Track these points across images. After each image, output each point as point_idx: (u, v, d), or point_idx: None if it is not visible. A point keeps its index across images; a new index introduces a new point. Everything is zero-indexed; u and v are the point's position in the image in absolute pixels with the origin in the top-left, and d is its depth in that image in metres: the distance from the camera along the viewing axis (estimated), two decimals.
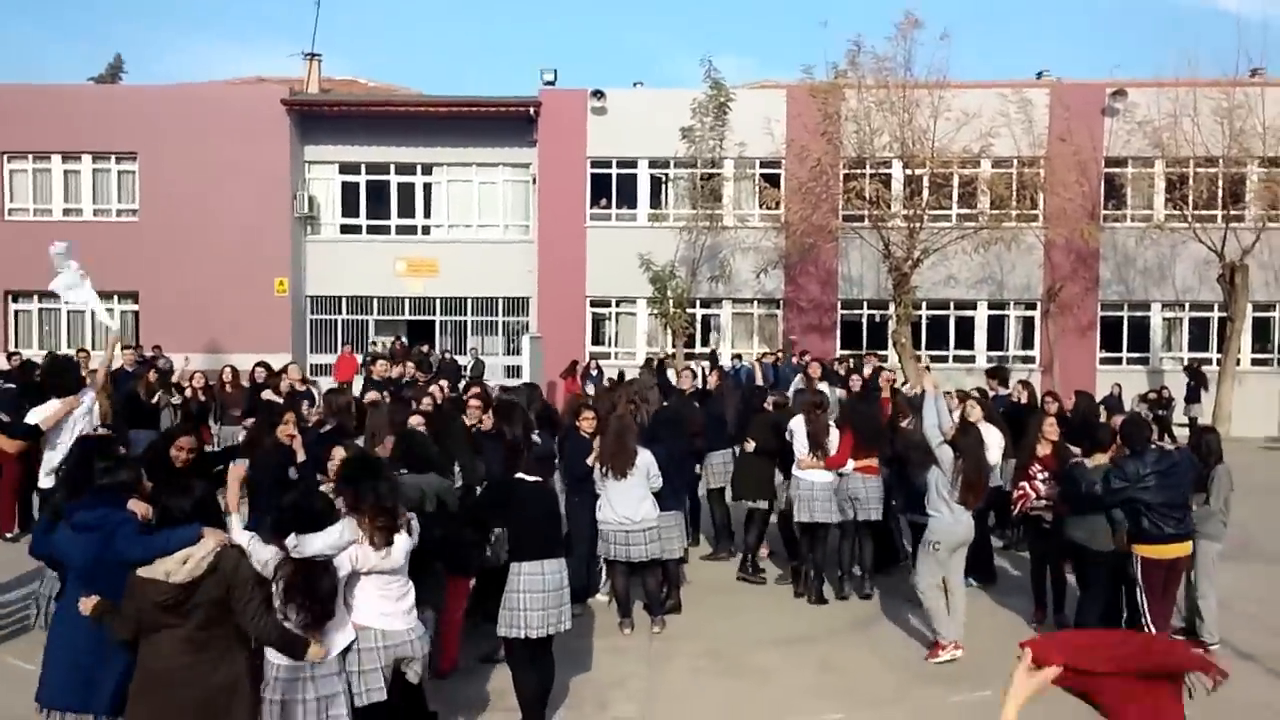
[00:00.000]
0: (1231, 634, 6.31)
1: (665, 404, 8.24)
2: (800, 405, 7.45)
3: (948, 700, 5.39)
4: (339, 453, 4.56)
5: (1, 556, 7.70)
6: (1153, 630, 5.53)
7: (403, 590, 4.00)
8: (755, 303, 20.36)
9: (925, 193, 17.84)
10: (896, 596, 7.22)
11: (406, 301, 21.05)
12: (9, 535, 8.52)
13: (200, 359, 15.60)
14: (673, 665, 5.93)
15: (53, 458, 6.24)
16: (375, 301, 21.04)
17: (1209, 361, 19.17)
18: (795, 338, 18.93)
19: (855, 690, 5.57)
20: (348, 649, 3.80)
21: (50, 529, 3.98)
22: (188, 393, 10.49)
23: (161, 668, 3.38)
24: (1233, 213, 18.13)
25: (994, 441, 6.94)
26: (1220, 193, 18.42)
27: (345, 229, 21.15)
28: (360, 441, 5.57)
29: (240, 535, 3.70)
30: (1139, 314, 20.03)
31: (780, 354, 16.84)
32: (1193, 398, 17.62)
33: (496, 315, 21.18)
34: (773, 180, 19.68)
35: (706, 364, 14.37)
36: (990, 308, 20.12)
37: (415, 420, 5.91)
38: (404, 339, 19.79)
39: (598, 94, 19.82)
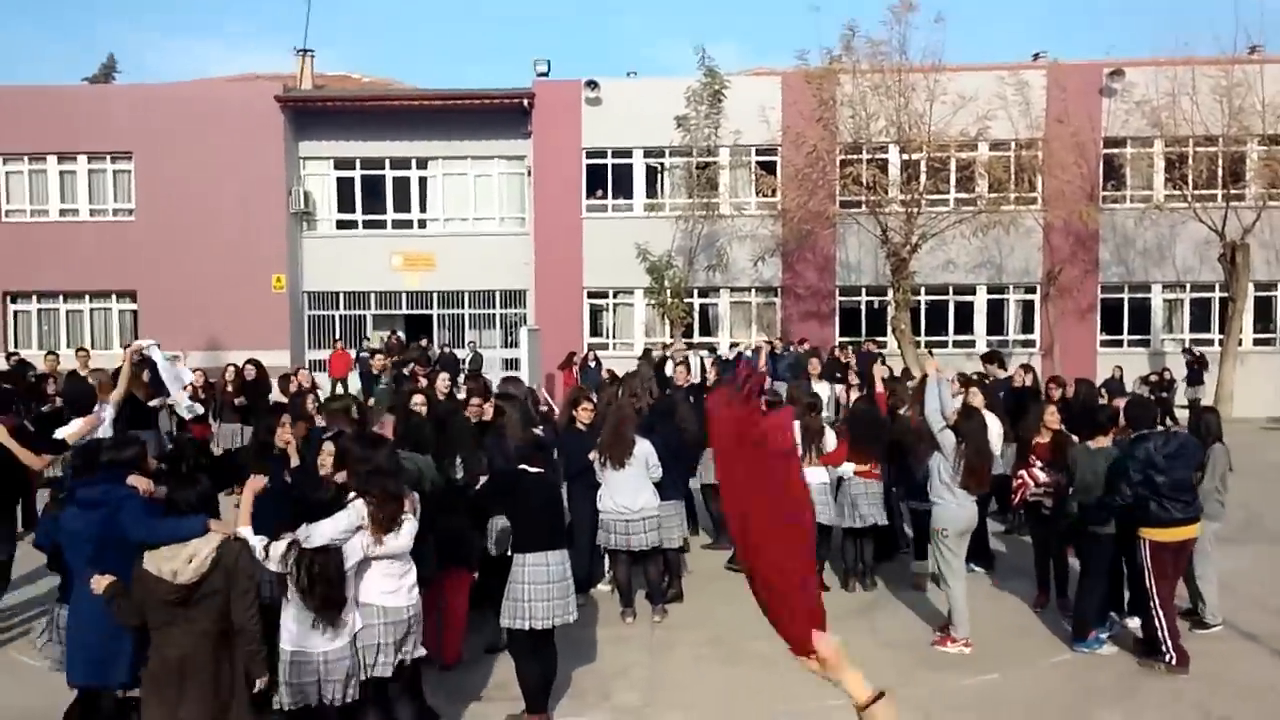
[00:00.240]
0: (1235, 615, 6.30)
1: (664, 394, 8.21)
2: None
3: (955, 684, 5.38)
4: (329, 448, 4.55)
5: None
6: (1161, 615, 5.51)
7: (404, 569, 4.13)
8: (753, 291, 20.30)
9: (922, 177, 17.75)
10: (897, 583, 7.21)
11: (404, 296, 21.00)
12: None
13: (199, 356, 15.58)
14: (675, 654, 5.92)
15: None
16: (372, 296, 21.00)
17: (1210, 342, 19.13)
18: (798, 338, 18.81)
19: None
20: (359, 629, 3.93)
21: (56, 517, 4.01)
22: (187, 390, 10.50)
23: (175, 656, 3.51)
24: (1233, 192, 18.04)
25: (994, 431, 6.90)
26: (1220, 172, 18.32)
27: (341, 224, 21.10)
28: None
29: (251, 539, 3.78)
30: (1139, 296, 19.97)
31: (776, 341, 16.78)
32: (1194, 380, 17.57)
33: (494, 308, 21.14)
34: (769, 167, 19.59)
35: (704, 355, 14.33)
36: (989, 292, 20.06)
37: (416, 400, 5.93)
38: (401, 333, 19.77)
39: (592, 84, 19.71)
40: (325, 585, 3.72)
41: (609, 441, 6.30)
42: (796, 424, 7.11)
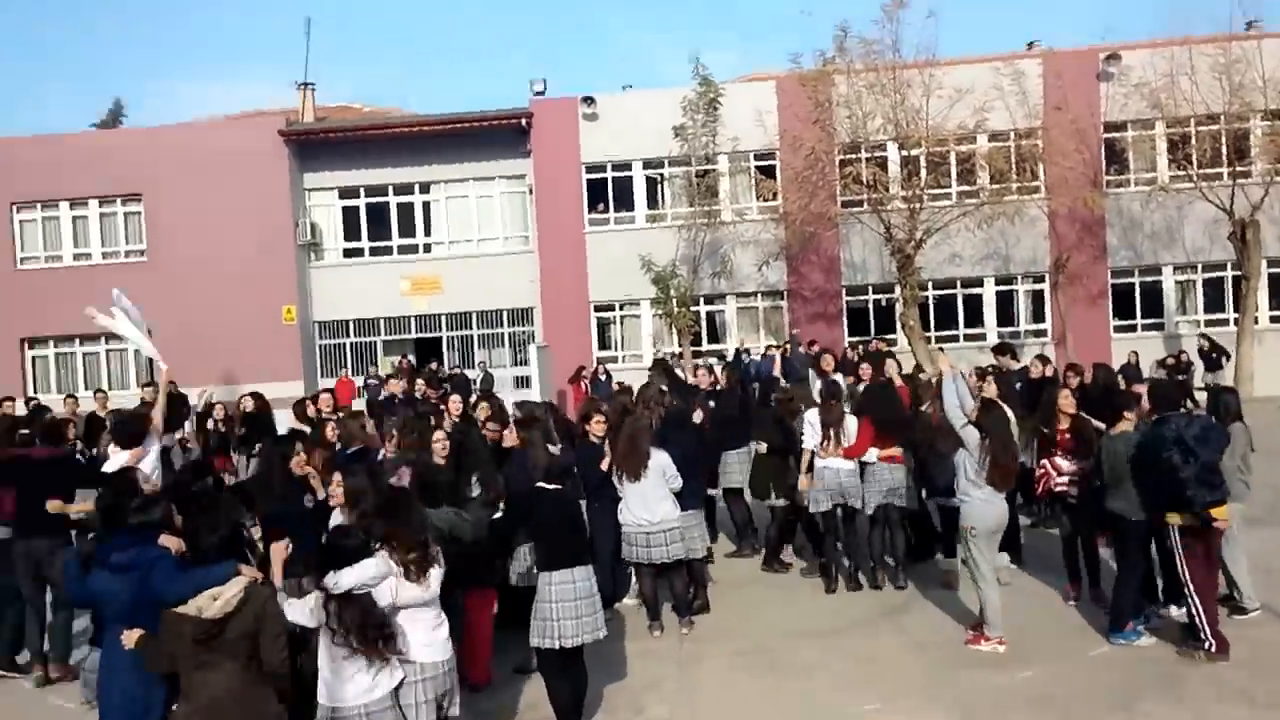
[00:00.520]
0: (1274, 598, 6.19)
1: (674, 403, 8.17)
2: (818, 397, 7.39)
3: (992, 683, 5.30)
4: (338, 478, 4.54)
5: None
6: (1197, 601, 5.41)
7: (438, 620, 4.02)
8: (759, 295, 20.28)
9: (923, 172, 17.72)
10: (926, 582, 7.13)
11: (412, 320, 21.10)
12: None
13: (217, 391, 15.67)
14: (704, 665, 5.87)
15: None
16: (382, 322, 21.11)
17: (1225, 322, 18.93)
18: (798, 331, 18.77)
19: (893, 679, 5.49)
20: (399, 685, 3.81)
21: (83, 571, 4.00)
22: (210, 424, 10.67)
23: (205, 700, 3.47)
24: (1239, 169, 17.92)
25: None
26: (1225, 149, 18.20)
27: (348, 253, 21.26)
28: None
29: (290, 608, 3.76)
30: (1150, 279, 19.81)
31: (786, 345, 16.74)
32: (1213, 366, 17.26)
33: (502, 327, 21.20)
34: (768, 172, 19.62)
35: (714, 361, 14.29)
36: (998, 283, 19.96)
37: (438, 447, 5.70)
38: (411, 357, 19.84)
39: (588, 100, 19.83)
40: (372, 629, 3.67)
41: (624, 454, 6.27)
42: (815, 413, 7.08)
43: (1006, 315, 20.03)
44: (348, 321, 21.10)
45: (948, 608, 6.62)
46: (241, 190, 19.79)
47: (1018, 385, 8.60)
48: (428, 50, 75.15)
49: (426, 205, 21.19)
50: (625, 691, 5.48)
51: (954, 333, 19.85)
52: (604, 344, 20.60)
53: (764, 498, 7.82)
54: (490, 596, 5.56)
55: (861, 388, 8.24)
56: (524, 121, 20.00)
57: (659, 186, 20.46)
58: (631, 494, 6.26)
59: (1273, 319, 19.42)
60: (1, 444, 6.49)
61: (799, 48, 27.66)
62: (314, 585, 3.79)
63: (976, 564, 5.83)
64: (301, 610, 3.77)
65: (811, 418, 7.10)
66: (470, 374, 18.78)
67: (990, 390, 7.18)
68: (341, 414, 8.07)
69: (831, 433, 6.98)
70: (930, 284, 19.30)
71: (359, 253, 21.25)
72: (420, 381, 11.36)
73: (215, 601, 3.48)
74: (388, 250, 21.18)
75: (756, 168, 19.80)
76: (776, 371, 11.54)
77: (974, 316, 20.06)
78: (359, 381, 19.03)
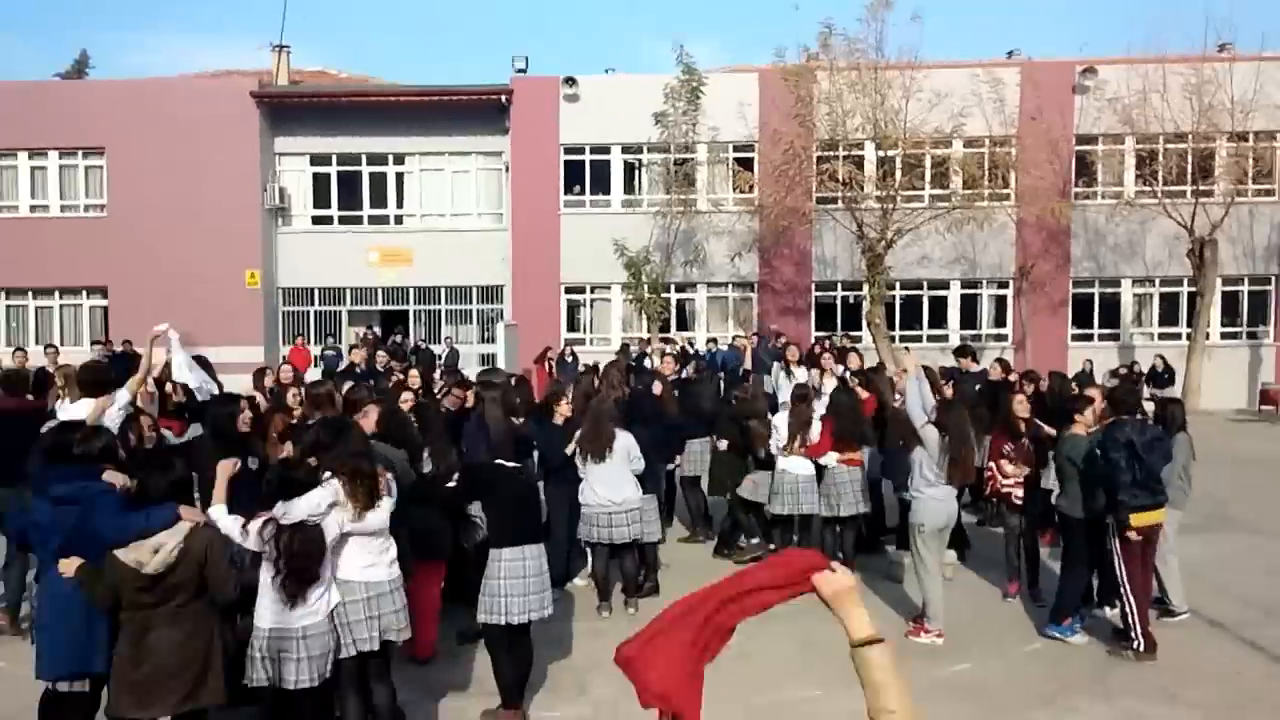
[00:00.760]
0: (1201, 603, 6.41)
1: (636, 389, 8.20)
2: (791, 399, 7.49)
3: (928, 675, 5.43)
4: (279, 420, 4.55)
5: None
6: (1131, 601, 5.59)
7: (384, 545, 4.13)
8: (730, 286, 20.37)
9: (898, 173, 17.89)
10: (873, 574, 7.27)
11: (380, 292, 20.84)
12: None
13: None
14: None
15: None
16: (348, 292, 20.82)
17: (1178, 336, 19.46)
18: (775, 326, 18.84)
19: (835, 666, 5.57)
20: (340, 605, 3.92)
21: (25, 505, 3.92)
22: (168, 388, 10.40)
23: (146, 636, 3.51)
24: (1202, 188, 18.35)
25: None
26: (1190, 168, 18.63)
27: (317, 220, 20.90)
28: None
29: (224, 521, 3.76)
30: (1110, 290, 20.27)
31: (755, 336, 16.82)
32: (1162, 384, 17.55)
33: (471, 304, 21.04)
34: (746, 164, 19.65)
35: (666, 349, 14.02)
36: (963, 287, 20.28)
37: (405, 397, 5.92)
38: (377, 329, 19.62)
39: (570, 81, 19.66)
40: (304, 559, 3.71)
41: (588, 435, 6.30)
42: (784, 416, 7.18)
43: (970, 318, 20.38)
44: (313, 289, 20.77)
45: (893, 600, 6.76)
46: (209, 151, 19.33)
47: (977, 387, 8.79)
48: (409, 20, 73.87)
49: (400, 177, 20.90)
50: (570, 670, 5.51)
51: (918, 332, 20.14)
52: (573, 326, 20.55)
53: (721, 494, 7.93)
54: (439, 570, 5.55)
55: (826, 384, 8.33)
56: (504, 98, 19.77)
57: (636, 172, 20.39)
58: (595, 475, 6.29)
59: (1223, 335, 20.01)
60: None
61: (782, 40, 27.72)
62: (261, 510, 3.82)
63: (922, 559, 5.96)
64: (235, 526, 3.76)
65: (779, 421, 7.20)
66: (436, 349, 18.62)
67: (948, 390, 7.31)
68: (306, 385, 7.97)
69: (799, 435, 7.08)
70: (898, 284, 19.55)
71: (328, 220, 20.90)
72: (382, 353, 11.16)
73: (155, 555, 3.47)
74: (358, 220, 20.86)
75: (735, 159, 19.82)
76: (748, 363, 11.62)
77: (938, 318, 20.38)
78: (316, 350, 18.76)
